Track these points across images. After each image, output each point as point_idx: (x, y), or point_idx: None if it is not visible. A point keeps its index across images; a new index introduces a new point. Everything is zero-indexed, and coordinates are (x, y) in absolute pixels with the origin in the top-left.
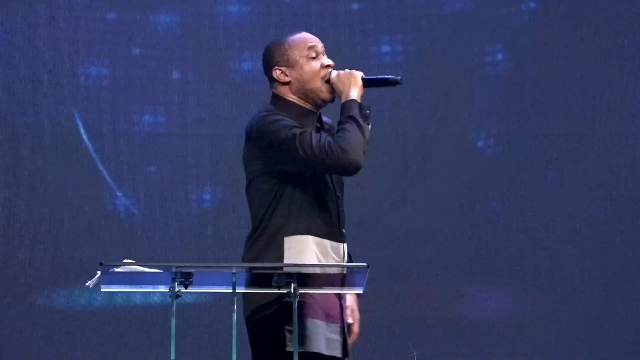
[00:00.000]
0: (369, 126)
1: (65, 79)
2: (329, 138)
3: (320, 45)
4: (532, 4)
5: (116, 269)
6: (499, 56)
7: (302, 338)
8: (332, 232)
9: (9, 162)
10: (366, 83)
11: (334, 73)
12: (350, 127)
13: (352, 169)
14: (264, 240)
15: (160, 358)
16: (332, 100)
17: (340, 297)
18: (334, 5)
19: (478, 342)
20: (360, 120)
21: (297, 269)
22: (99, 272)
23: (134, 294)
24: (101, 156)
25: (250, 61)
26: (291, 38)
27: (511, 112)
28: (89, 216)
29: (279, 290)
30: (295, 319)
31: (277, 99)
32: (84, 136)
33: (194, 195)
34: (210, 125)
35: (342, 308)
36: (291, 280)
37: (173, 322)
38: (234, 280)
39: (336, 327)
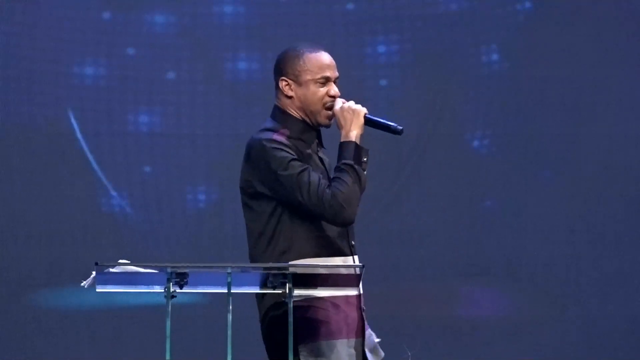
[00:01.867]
0: (365, 172)
1: (60, 78)
2: (326, 186)
3: (334, 73)
4: (528, 4)
5: (111, 269)
6: (495, 56)
7: (323, 352)
8: (339, 247)
9: (4, 162)
10: (368, 123)
11: (339, 104)
12: (349, 178)
13: (346, 224)
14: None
15: (156, 358)
16: (329, 126)
17: (362, 310)
18: (329, 6)
19: (473, 342)
20: (359, 170)
21: (292, 269)
22: (94, 273)
23: (129, 294)
24: (96, 156)
25: (246, 61)
26: (308, 55)
27: (506, 112)
28: (84, 216)
29: (274, 290)
30: (291, 318)
31: (278, 111)
32: (79, 136)
33: (190, 195)
34: (206, 125)
35: (363, 320)
36: (286, 281)
37: (168, 322)
38: (229, 280)
39: (357, 341)
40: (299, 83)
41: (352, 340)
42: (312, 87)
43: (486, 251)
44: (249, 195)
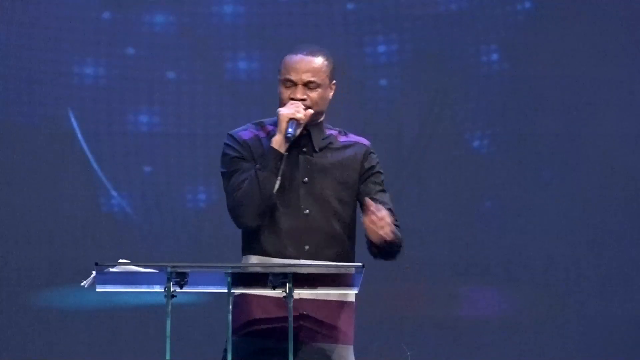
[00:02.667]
0: (278, 177)
1: (60, 78)
2: (236, 189)
3: (302, 76)
4: (527, 4)
5: (111, 269)
6: (495, 56)
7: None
8: (282, 250)
9: (3, 162)
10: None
11: (282, 108)
12: (248, 182)
13: (241, 227)
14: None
15: (156, 358)
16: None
17: (303, 314)
18: (329, 5)
19: (473, 342)
20: (261, 174)
21: (293, 269)
22: (94, 272)
23: (129, 294)
24: (96, 156)
25: (246, 61)
26: (287, 55)
27: (506, 112)
28: (84, 216)
29: (274, 290)
30: (291, 318)
31: None
32: (79, 136)
33: (190, 195)
34: (206, 125)
35: (298, 325)
36: (286, 280)
37: (168, 322)
38: (229, 280)
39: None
40: (278, 82)
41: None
42: (280, 88)
43: (486, 251)
44: None
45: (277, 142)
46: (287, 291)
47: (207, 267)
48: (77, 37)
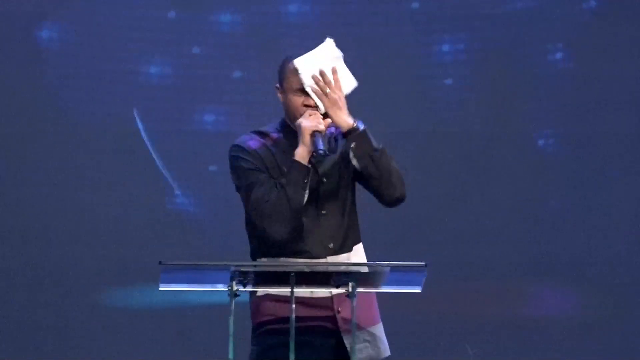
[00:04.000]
0: (306, 191)
1: (126, 77)
2: (264, 201)
3: (313, 85)
4: (593, 3)
5: (174, 268)
6: (560, 54)
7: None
8: (306, 250)
9: (72, 161)
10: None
11: (301, 119)
12: (276, 195)
13: (275, 242)
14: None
15: (219, 357)
16: None
17: (336, 312)
18: (395, 4)
19: (539, 341)
20: (290, 190)
21: (355, 269)
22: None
23: (193, 293)
24: (162, 155)
25: None
26: (291, 63)
27: (573, 110)
28: (149, 215)
29: (337, 289)
30: (354, 319)
31: (284, 116)
32: (145, 135)
33: None
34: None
35: (335, 322)
36: (349, 280)
37: (231, 320)
38: (292, 279)
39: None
40: (283, 91)
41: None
42: (290, 96)
43: (552, 251)
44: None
45: (302, 155)
46: (350, 290)
47: (271, 266)
48: (143, 36)
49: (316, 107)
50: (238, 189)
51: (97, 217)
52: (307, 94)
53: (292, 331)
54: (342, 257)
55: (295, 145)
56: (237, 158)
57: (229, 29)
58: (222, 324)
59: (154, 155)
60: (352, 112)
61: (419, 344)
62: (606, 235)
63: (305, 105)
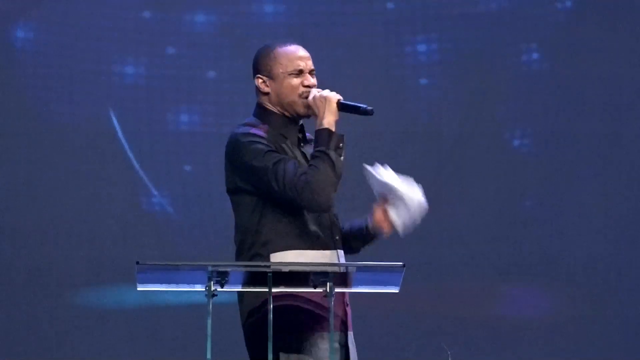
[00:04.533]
0: (342, 157)
1: (101, 78)
2: (301, 174)
3: (307, 64)
4: (568, 3)
5: (151, 268)
6: (535, 55)
7: (304, 348)
8: (323, 241)
9: (45, 162)
10: (340, 107)
11: (312, 94)
12: (322, 164)
13: (320, 211)
14: (258, 258)
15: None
16: (309, 115)
17: (346, 305)
18: (369, 5)
19: (513, 341)
20: (332, 154)
21: (333, 268)
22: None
23: (170, 293)
24: (137, 155)
25: None
26: (279, 50)
27: (547, 111)
28: (125, 215)
29: (314, 289)
30: (332, 320)
31: (259, 108)
32: (120, 135)
33: None
34: None
35: (346, 316)
36: (327, 280)
37: (209, 321)
38: (270, 279)
39: (340, 335)
40: (272, 78)
41: (335, 334)
42: (286, 80)
43: (526, 251)
44: (231, 191)
45: (331, 123)
46: (328, 290)
47: (249, 266)
48: (117, 36)
49: (314, 85)
50: (258, 171)
51: (73, 218)
52: (303, 76)
53: (270, 332)
54: (341, 252)
55: (288, 129)
56: (252, 142)
57: (204, 29)
58: (200, 324)
59: (130, 155)
60: None
61: (396, 344)
62: (580, 234)
63: (306, 86)
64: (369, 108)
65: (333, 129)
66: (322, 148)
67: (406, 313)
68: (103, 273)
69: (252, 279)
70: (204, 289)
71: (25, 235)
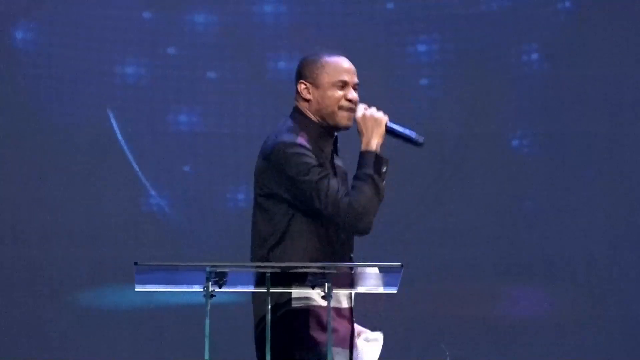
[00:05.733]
0: (384, 182)
1: (101, 78)
2: (344, 194)
3: (353, 78)
4: (568, 3)
5: (150, 269)
6: (535, 55)
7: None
8: (341, 257)
9: (45, 161)
10: (389, 132)
11: (361, 110)
12: (367, 188)
13: (362, 234)
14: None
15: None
16: (348, 127)
17: (352, 322)
18: (370, 5)
19: (514, 341)
20: (377, 179)
21: (332, 269)
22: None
23: (169, 294)
24: (136, 156)
25: (286, 61)
26: (328, 59)
27: (547, 111)
28: (124, 216)
29: (313, 289)
30: (330, 319)
31: (298, 113)
32: (119, 136)
33: (229, 194)
34: (246, 125)
35: (353, 333)
36: (326, 280)
37: (207, 322)
38: (268, 279)
39: (346, 352)
40: (316, 86)
41: (342, 351)
42: (330, 90)
43: (527, 251)
44: (264, 195)
45: (378, 146)
46: (326, 290)
47: (247, 266)
48: (118, 37)
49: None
50: (302, 184)
51: (72, 218)
52: (347, 89)
53: (268, 334)
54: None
55: (324, 139)
56: (299, 155)
57: (204, 30)
58: (199, 324)
59: (129, 156)
60: None
61: (395, 344)
62: (581, 235)
63: (348, 100)
64: (421, 139)
65: (378, 152)
66: (369, 172)
67: (405, 313)
68: (102, 273)
69: (251, 279)
70: (202, 290)
71: (25, 235)
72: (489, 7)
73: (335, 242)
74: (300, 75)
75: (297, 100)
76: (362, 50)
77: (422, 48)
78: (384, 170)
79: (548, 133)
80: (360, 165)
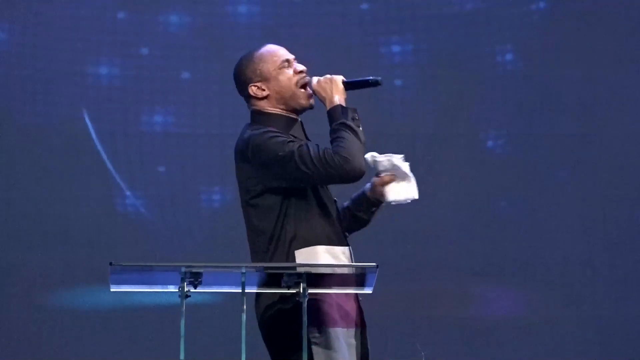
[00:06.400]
0: (360, 128)
1: (75, 78)
2: (326, 148)
3: (290, 54)
4: (542, 4)
5: (125, 269)
6: (509, 56)
7: (326, 348)
8: (338, 237)
9: (19, 162)
10: (347, 86)
11: (314, 80)
12: (346, 134)
13: (356, 177)
14: (279, 256)
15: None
16: (311, 106)
17: (358, 300)
18: (344, 5)
19: (487, 342)
20: (353, 125)
21: (306, 269)
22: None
23: (144, 294)
24: (111, 156)
25: None
26: (259, 52)
27: (521, 111)
28: (99, 216)
29: (288, 290)
30: (305, 318)
31: (258, 115)
32: (94, 136)
33: (204, 195)
34: (220, 125)
35: (359, 310)
36: (300, 280)
37: (182, 322)
38: (243, 280)
39: (357, 331)
40: (266, 79)
41: (352, 330)
42: (280, 75)
43: (501, 251)
44: (255, 193)
45: (342, 101)
46: (301, 291)
47: (222, 267)
48: (91, 37)
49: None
50: (285, 159)
51: (46, 218)
52: (291, 64)
53: (243, 332)
54: (350, 249)
55: (291, 128)
56: (271, 137)
57: (178, 30)
58: (174, 324)
59: (103, 156)
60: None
61: (370, 345)
62: (555, 235)
63: (299, 72)
64: (378, 78)
65: (343, 105)
66: (341, 120)
67: (380, 314)
68: (77, 274)
69: (226, 280)
70: (177, 290)
71: None
72: (463, 7)
73: (335, 219)
74: (244, 83)
75: (253, 105)
76: (336, 50)
77: (396, 49)
78: (356, 117)
79: (522, 133)
80: (331, 120)
